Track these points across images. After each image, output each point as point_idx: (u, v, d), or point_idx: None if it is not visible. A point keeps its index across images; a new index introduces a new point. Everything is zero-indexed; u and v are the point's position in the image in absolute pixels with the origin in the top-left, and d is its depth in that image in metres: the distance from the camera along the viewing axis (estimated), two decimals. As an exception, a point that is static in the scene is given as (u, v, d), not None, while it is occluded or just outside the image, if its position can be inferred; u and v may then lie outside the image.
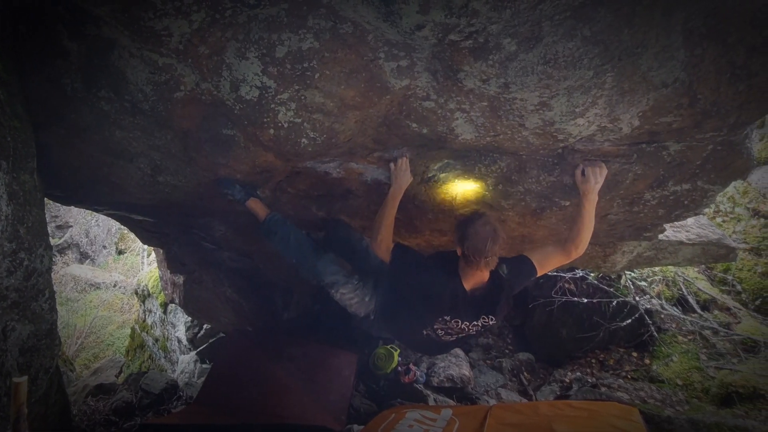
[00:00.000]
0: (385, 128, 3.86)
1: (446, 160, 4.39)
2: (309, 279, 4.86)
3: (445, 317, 4.05)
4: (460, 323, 4.07)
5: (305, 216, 5.30)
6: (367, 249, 4.80)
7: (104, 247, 26.20)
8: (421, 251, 5.42)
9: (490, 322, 4.13)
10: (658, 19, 2.85)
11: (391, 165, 4.40)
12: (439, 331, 4.18)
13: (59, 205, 12.61)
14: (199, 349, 9.97)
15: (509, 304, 4.22)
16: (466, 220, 3.99)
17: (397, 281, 4.39)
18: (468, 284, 4.02)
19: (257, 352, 7.09)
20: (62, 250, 24.12)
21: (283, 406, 6.10)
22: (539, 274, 4.35)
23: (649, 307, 8.91)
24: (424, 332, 4.27)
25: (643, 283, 9.52)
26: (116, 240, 26.69)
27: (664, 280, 9.60)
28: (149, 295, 11.80)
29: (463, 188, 4.61)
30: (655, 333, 8.64)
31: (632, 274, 9.40)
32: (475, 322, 4.09)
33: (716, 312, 9.04)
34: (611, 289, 9.12)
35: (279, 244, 4.89)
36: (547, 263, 4.34)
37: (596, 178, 4.04)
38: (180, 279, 8.30)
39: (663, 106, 3.33)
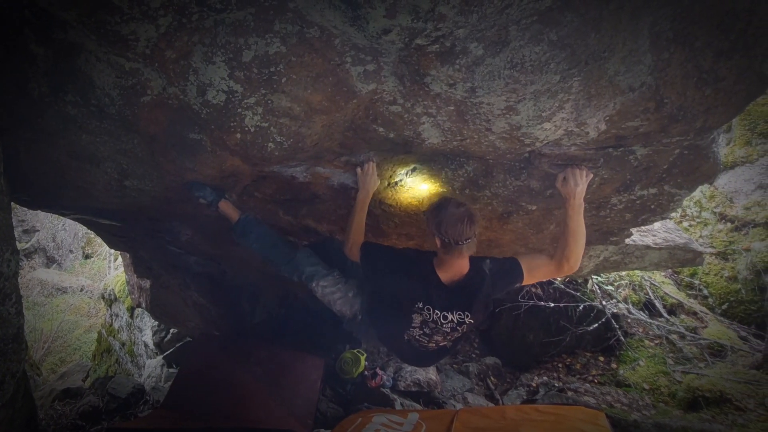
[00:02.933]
0: (352, 132, 3.86)
1: (413, 165, 4.42)
2: (289, 274, 4.81)
3: (418, 304, 4.00)
4: (432, 312, 4.02)
5: (272, 220, 5.28)
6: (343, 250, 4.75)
7: (71, 251, 26.01)
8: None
9: (467, 320, 4.05)
10: (625, 23, 2.87)
11: (358, 170, 4.41)
12: (418, 333, 4.16)
13: (26, 209, 12.52)
14: (165, 354, 9.95)
15: (488, 305, 4.11)
16: (437, 206, 3.95)
17: (372, 276, 4.39)
18: (444, 275, 3.99)
19: (224, 356, 7.06)
20: (29, 255, 23.94)
21: (250, 410, 6.09)
22: (526, 281, 4.23)
23: (615, 311, 8.97)
24: (406, 336, 4.24)
25: (610, 287, 9.58)
26: (83, 244, 26.52)
27: (630, 284, 9.67)
28: (116, 299, 11.74)
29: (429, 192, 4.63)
30: (621, 337, 8.66)
31: (599, 278, 9.46)
32: (448, 315, 4.03)
33: (683, 316, 9.12)
34: (578, 294, 9.17)
35: (255, 243, 4.87)
36: (536, 272, 4.20)
37: (576, 180, 3.97)
38: (146, 283, 8.27)
39: (630, 111, 3.35)
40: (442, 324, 4.06)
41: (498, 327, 9.60)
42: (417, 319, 4.09)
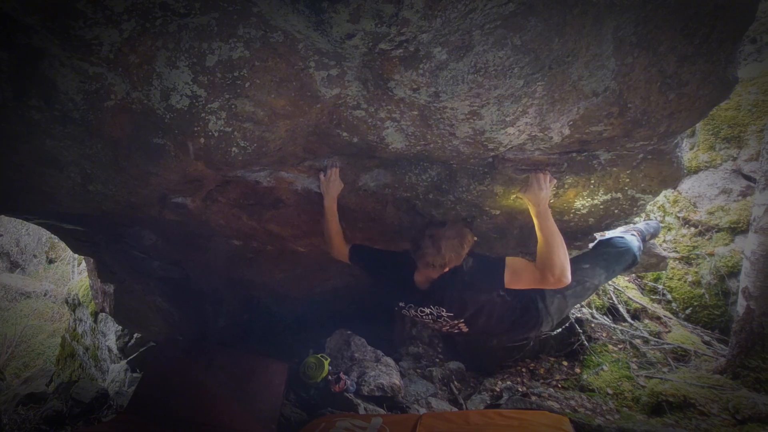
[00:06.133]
0: (316, 137, 3.87)
1: (376, 169, 4.43)
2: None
3: (400, 304, 4.10)
4: (414, 309, 4.10)
5: (236, 225, 5.29)
6: None
7: (35, 256, 25.84)
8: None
9: (443, 313, 4.08)
10: (589, 27, 2.90)
11: (321, 176, 4.43)
12: (422, 327, 4.26)
13: (-11, 213, 12.40)
14: (129, 358, 9.88)
15: (466, 301, 4.07)
16: (431, 226, 4.07)
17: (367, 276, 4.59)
18: (419, 277, 4.08)
19: (187, 361, 7.04)
20: (-8, 259, 23.74)
21: (214, 415, 6.08)
22: (509, 285, 4.02)
23: (579, 316, 8.96)
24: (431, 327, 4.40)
25: (574, 292, 9.58)
26: (47, 249, 26.37)
27: (594, 289, 9.69)
28: (79, 304, 11.64)
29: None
30: (585, 342, 8.64)
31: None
32: (425, 309, 4.08)
33: (646, 321, 9.13)
34: (542, 299, 9.12)
35: None
36: (520, 277, 3.99)
37: (539, 185, 3.97)
38: (110, 288, 8.21)
39: (593, 115, 3.39)
40: (421, 316, 4.13)
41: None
42: (407, 319, 4.19)
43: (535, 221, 3.99)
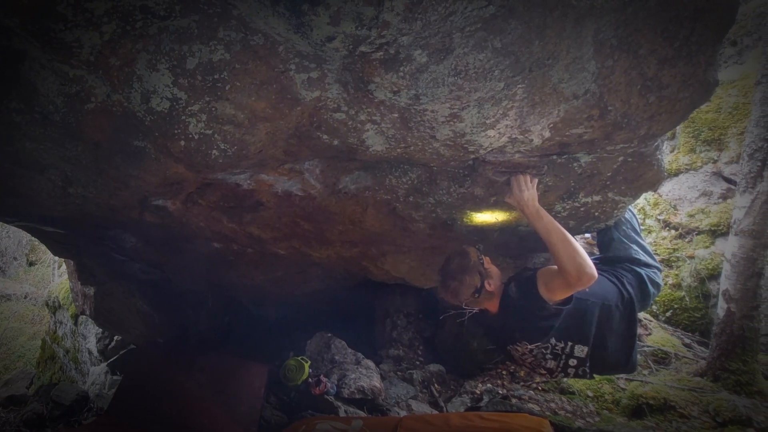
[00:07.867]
0: (296, 140, 3.84)
1: (357, 172, 4.41)
2: None
3: (496, 360, 4.11)
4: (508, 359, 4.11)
5: (217, 228, 5.28)
6: None
7: (15, 258, 25.71)
8: (331, 263, 5.48)
9: (528, 347, 3.99)
10: (569, 30, 2.89)
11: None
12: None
13: (-32, 215, 12.30)
14: (109, 361, 9.85)
15: (542, 323, 3.92)
16: (442, 263, 4.17)
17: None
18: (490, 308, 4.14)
19: (168, 364, 7.05)
20: (-29, 262, 23.65)
21: (194, 417, 6.08)
22: (545, 296, 3.80)
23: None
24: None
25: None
26: (27, 251, 26.27)
27: (576, 291, 9.65)
28: (60, 306, 11.62)
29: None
30: (567, 344, 8.64)
31: (545, 285, 9.42)
32: (516, 347, 4.05)
33: (627, 323, 9.17)
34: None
35: None
36: (552, 289, 3.79)
37: (521, 187, 3.88)
38: (90, 290, 8.19)
39: (574, 118, 3.38)
40: (527, 359, 4.11)
41: (442, 334, 9.49)
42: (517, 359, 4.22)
43: (534, 226, 3.91)
